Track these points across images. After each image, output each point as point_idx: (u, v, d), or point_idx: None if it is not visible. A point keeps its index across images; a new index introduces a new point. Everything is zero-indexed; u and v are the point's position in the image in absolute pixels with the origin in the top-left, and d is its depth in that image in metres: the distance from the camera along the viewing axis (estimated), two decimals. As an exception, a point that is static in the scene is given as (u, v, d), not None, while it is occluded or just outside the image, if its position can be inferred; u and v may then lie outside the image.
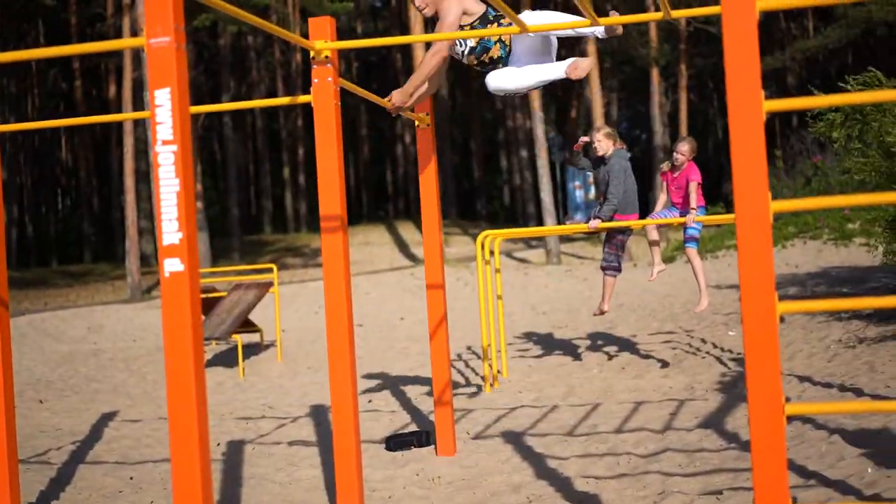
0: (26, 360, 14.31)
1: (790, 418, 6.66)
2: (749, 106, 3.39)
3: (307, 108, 41.44)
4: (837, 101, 3.65)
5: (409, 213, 49.83)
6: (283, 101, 6.35)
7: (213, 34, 41.25)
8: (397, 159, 55.92)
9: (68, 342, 16.77)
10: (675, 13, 5.34)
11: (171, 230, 3.62)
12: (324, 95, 5.64)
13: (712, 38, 39.15)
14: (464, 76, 54.30)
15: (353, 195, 58.78)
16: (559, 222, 32.05)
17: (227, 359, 13.59)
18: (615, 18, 5.67)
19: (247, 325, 13.44)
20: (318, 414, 9.42)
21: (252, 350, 14.20)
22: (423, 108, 7.52)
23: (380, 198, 60.51)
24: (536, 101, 29.53)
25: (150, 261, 33.92)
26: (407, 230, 38.28)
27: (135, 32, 28.23)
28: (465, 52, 6.70)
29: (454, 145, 53.88)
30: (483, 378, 10.54)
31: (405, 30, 35.66)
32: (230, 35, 39.68)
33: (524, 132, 40.56)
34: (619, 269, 10.43)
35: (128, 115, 6.88)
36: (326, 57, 5.61)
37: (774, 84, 45.99)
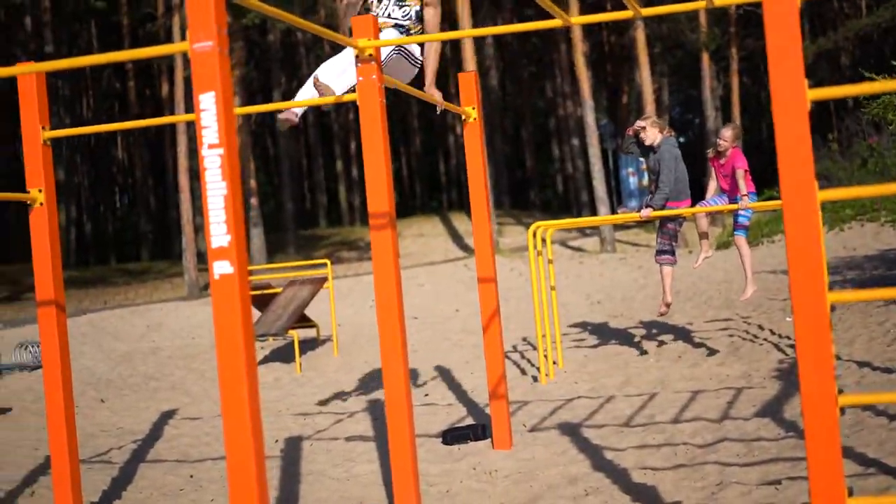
0: (86, 359, 14.46)
1: (847, 406, 6.61)
2: (793, 95, 3.36)
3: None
4: (879, 89, 3.61)
5: (462, 203, 49.79)
6: (328, 99, 6.37)
7: (262, 31, 41.40)
8: (449, 150, 55.86)
9: (127, 340, 16.94)
10: (719, 1, 5.28)
11: (219, 233, 3.64)
12: (369, 93, 5.66)
13: (763, 21, 38.71)
14: (514, 66, 54.20)
15: (407, 187, 58.87)
16: (612, 211, 31.93)
17: (283, 354, 13.66)
18: (658, 9, 5.60)
19: (303, 321, 13.50)
20: (376, 408, 9.45)
21: (309, 345, 14.27)
22: (470, 102, 7.51)
23: (433, 189, 60.51)
24: (587, 90, 29.42)
25: (206, 258, 34.13)
26: (461, 221, 38.27)
27: (185, 32, 28.35)
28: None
29: (505, 135, 53.73)
30: (538, 369, 10.51)
31: (454, 24, 35.55)
32: (280, 31, 39.84)
33: (575, 120, 40.41)
34: (673, 257, 10.36)
35: (177, 118, 6.93)
36: (370, 55, 5.62)
37: (827, 65, 45.44)
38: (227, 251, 3.65)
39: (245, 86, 37.52)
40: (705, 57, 33.86)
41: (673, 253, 10.38)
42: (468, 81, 7.59)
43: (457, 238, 35.60)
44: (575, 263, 23.32)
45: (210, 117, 3.71)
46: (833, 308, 11.98)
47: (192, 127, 31.15)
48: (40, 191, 6.10)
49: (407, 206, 53.18)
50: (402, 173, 58.94)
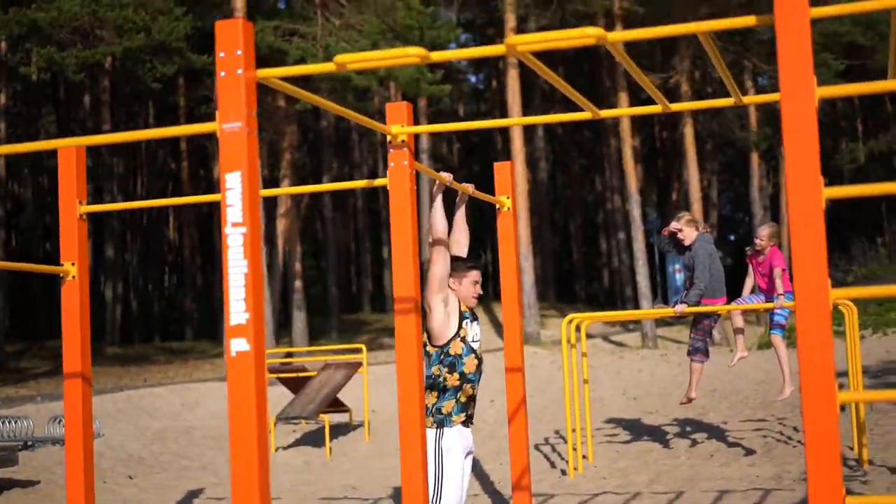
0: (120, 435, 14.52)
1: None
2: (808, 192, 3.36)
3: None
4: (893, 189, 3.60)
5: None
6: (359, 183, 6.43)
7: (316, 116, 41.96)
8: (495, 241, 56.00)
9: (162, 418, 16.98)
10: (747, 99, 5.32)
11: (238, 310, 3.69)
12: (399, 178, 5.71)
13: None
14: (564, 158, 54.48)
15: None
16: (655, 298, 31.93)
17: (315, 438, 13.65)
18: (687, 104, 5.64)
19: (336, 405, 13.50)
20: (400, 496, 9.39)
21: (340, 430, 14.25)
22: (504, 192, 7.54)
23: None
24: (634, 184, 29.53)
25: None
26: (501, 310, 38.19)
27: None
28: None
29: (554, 227, 53.85)
30: (567, 462, 10.43)
31: (504, 111, 35.82)
32: (332, 117, 40.35)
33: (622, 214, 40.48)
34: (706, 355, 10.29)
35: (212, 197, 7.03)
36: (402, 141, 5.68)
37: (881, 167, 45.36)
38: (245, 328, 3.69)
39: (296, 170, 37.96)
40: (754, 156, 33.90)
41: (706, 351, 10.32)
42: (503, 170, 7.63)
43: (498, 327, 35.53)
44: (615, 358, 23.18)
45: (235, 196, 3.77)
46: (869, 410, 11.85)
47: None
48: (73, 264, 6.16)
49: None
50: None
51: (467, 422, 6.44)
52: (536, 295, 33.24)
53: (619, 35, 3.85)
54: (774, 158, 39.86)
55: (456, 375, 6.33)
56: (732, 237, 61.65)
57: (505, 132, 38.76)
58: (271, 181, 38.36)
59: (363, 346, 14.00)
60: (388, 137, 5.73)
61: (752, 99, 5.42)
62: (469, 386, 6.39)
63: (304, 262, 37.87)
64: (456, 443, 6.31)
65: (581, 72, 52.81)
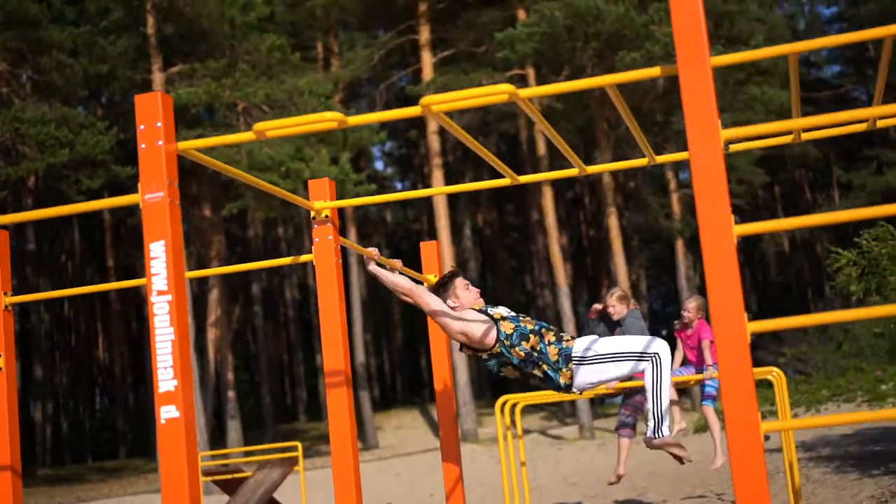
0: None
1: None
2: (720, 230, 3.43)
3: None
4: (806, 223, 3.68)
5: (443, 396, 49.53)
6: (285, 261, 6.47)
7: (242, 225, 42.01)
8: (429, 346, 55.92)
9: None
10: (660, 158, 5.47)
11: (166, 378, 3.71)
12: (325, 252, 5.77)
13: (736, 209, 39.63)
14: (491, 257, 54.83)
15: (389, 381, 58.76)
16: (591, 401, 31.98)
17: (253, 540, 13.40)
18: (601, 167, 5.78)
19: (273, 505, 13.30)
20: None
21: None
22: (431, 270, 7.62)
23: (414, 383, 60.37)
24: (562, 277, 29.80)
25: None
26: (440, 412, 38.06)
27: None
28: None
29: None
30: (509, 548, 10.36)
31: (431, 220, 36.18)
32: (260, 225, 40.46)
33: (553, 311, 40.72)
34: (633, 430, 10.35)
35: (139, 282, 7.03)
36: (326, 216, 5.76)
37: (804, 254, 46.25)
38: (174, 395, 3.71)
39: (225, 281, 37.85)
40: (680, 246, 34.37)
41: (634, 427, 10.38)
42: (430, 249, 7.73)
43: (436, 429, 35.41)
44: (554, 450, 23.18)
45: (160, 265, 3.82)
46: (806, 481, 11.97)
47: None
48: (0, 355, 6.12)
49: (388, 400, 52.98)
50: (384, 368, 58.90)
51: (574, 360, 6.24)
52: (473, 393, 33.23)
53: (529, 91, 3.97)
54: (698, 247, 40.47)
55: (532, 338, 6.22)
56: (664, 332, 62.19)
57: (433, 233, 38.99)
58: (200, 296, 38.18)
59: (298, 444, 13.88)
60: (312, 213, 5.82)
61: (665, 158, 5.58)
62: (543, 329, 6.26)
63: (236, 375, 37.56)
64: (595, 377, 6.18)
65: (504, 160, 53.35)
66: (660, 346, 6.12)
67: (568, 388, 6.25)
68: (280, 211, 29.98)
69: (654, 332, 10.34)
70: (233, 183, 29.23)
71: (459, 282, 6.54)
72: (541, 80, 31.12)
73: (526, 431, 9.89)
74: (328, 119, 4.01)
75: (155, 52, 28.72)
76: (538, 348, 6.18)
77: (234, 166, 26.08)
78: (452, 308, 6.40)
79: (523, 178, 5.74)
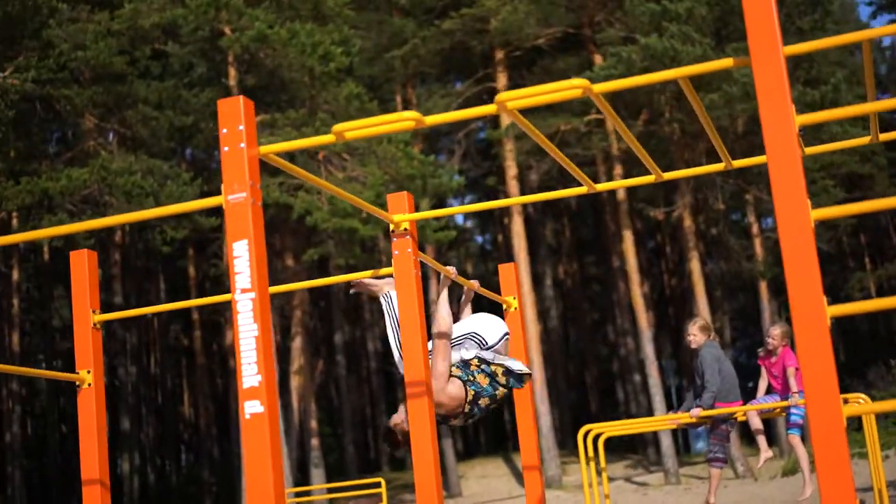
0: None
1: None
2: (797, 213, 3.40)
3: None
4: (885, 205, 3.64)
5: (526, 446, 49.23)
6: (365, 274, 6.55)
7: (324, 273, 42.33)
8: (512, 395, 55.68)
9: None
10: (737, 163, 5.46)
11: (250, 373, 3.77)
12: (404, 265, 5.83)
13: (822, 254, 39.11)
14: (573, 308, 54.62)
15: (472, 432, 58.58)
16: (676, 448, 31.72)
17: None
18: (677, 173, 5.79)
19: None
20: None
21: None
22: (510, 292, 7.63)
23: (498, 434, 60.10)
24: (644, 321, 29.62)
25: None
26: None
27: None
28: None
29: (569, 379, 53.66)
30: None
31: (510, 256, 36.28)
32: (341, 271, 40.74)
33: (636, 358, 40.40)
34: (725, 461, 10.27)
35: (222, 297, 7.13)
36: (405, 229, 5.82)
37: (890, 294, 45.36)
38: (258, 391, 3.76)
39: (308, 331, 38.11)
40: (763, 290, 33.95)
41: (725, 457, 10.31)
42: (508, 272, 7.75)
43: (520, 477, 35.21)
44: (639, 496, 22.92)
45: (243, 263, 3.89)
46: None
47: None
48: (88, 372, 6.24)
49: (471, 450, 52.87)
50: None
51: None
52: (556, 441, 33.05)
53: (603, 86, 4.00)
54: (784, 294, 39.95)
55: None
56: (750, 384, 61.05)
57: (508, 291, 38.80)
58: (284, 348, 38.46)
59: (382, 480, 13.90)
60: (391, 226, 5.89)
61: (741, 163, 5.57)
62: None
63: (320, 428, 37.74)
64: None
65: (586, 223, 53.42)
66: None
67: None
68: (361, 258, 30.20)
69: (741, 385, 10.27)
70: (314, 231, 29.52)
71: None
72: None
73: (610, 479, 9.81)
74: (406, 118, 4.08)
75: (238, 104, 29.12)
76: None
77: (315, 213, 26.41)
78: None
79: (600, 186, 5.75)
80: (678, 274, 50.61)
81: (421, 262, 5.94)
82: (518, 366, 6.45)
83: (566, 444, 41.40)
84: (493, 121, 37.23)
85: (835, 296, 46.63)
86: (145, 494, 47.00)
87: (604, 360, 58.58)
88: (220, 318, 47.60)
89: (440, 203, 36.32)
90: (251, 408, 3.77)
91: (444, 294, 6.60)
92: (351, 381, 48.07)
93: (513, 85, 35.78)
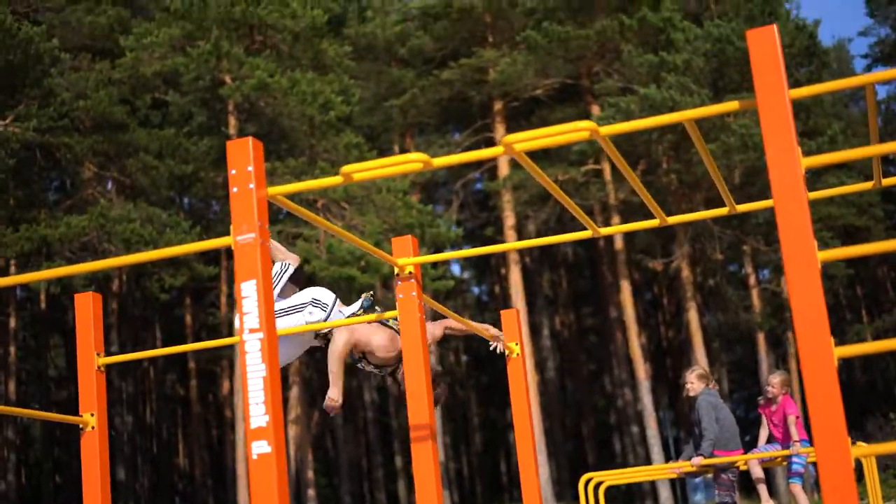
0: None
1: None
2: (804, 253, 3.43)
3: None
4: (885, 248, 3.64)
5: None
6: (369, 318, 6.57)
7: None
8: (510, 448, 55.58)
9: None
10: (741, 207, 5.50)
11: (258, 413, 3.79)
12: (409, 308, 5.86)
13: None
14: (570, 359, 54.57)
15: (468, 487, 58.32)
16: (675, 500, 31.61)
17: None
18: (680, 217, 5.84)
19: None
20: None
21: None
22: (512, 339, 7.64)
23: (494, 488, 59.84)
24: (642, 371, 29.62)
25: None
26: (521, 513, 37.68)
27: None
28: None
29: (566, 431, 53.51)
30: None
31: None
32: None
33: (633, 409, 40.33)
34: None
35: (224, 341, 7.16)
36: (410, 272, 5.86)
37: (890, 353, 45.39)
38: (265, 431, 3.78)
39: (305, 381, 38.04)
40: (762, 341, 33.96)
41: (735, 498, 10.27)
42: (511, 318, 7.76)
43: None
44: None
45: (251, 303, 3.92)
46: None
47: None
48: (92, 415, 6.26)
49: (466, 502, 52.65)
50: (463, 473, 58.51)
51: None
52: (554, 493, 32.94)
53: (609, 129, 4.05)
54: (782, 346, 39.96)
55: None
56: (748, 438, 60.68)
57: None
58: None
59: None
60: (396, 269, 5.92)
61: (745, 207, 5.62)
62: None
63: (316, 479, 37.62)
64: None
65: (582, 274, 53.51)
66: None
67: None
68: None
69: (742, 438, 10.27)
70: (312, 279, 29.53)
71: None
72: (616, 174, 31.29)
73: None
74: (413, 160, 4.12)
75: (237, 153, 29.24)
76: None
77: (313, 261, 26.47)
78: None
79: (604, 230, 5.80)
80: (675, 325, 50.66)
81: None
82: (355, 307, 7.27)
83: (564, 495, 41.23)
84: (491, 172, 37.40)
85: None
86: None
87: (601, 411, 58.45)
88: (216, 367, 47.61)
89: (439, 250, 36.48)
90: (258, 448, 3.78)
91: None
92: (348, 432, 47.87)
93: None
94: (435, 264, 37.40)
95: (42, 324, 47.19)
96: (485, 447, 59.41)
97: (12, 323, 35.79)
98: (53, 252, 26.11)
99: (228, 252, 37.12)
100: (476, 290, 59.03)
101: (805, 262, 3.40)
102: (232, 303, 35.99)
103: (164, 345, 48.38)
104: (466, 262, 57.56)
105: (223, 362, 44.16)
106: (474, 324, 6.80)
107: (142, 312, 45.13)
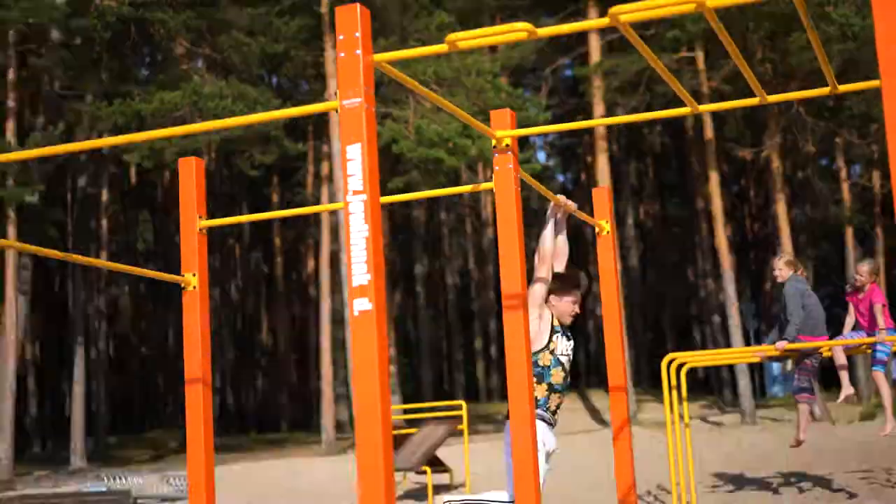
0: (223, 495, 14.72)
1: None
2: None
3: (498, 279, 42.28)
4: None
5: (601, 384, 49.52)
6: (465, 189, 6.66)
7: (407, 205, 42.55)
8: (588, 335, 55.90)
9: (262, 484, 17.25)
10: (842, 87, 5.47)
11: (360, 272, 3.90)
12: (505, 181, 5.92)
13: None
14: (653, 249, 54.43)
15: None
16: (753, 390, 31.68)
17: (417, 495, 13.74)
18: (784, 96, 5.82)
19: (437, 464, 13.60)
20: None
21: (442, 490, 14.31)
22: (603, 216, 7.68)
23: (572, 373, 60.30)
24: (727, 261, 29.53)
25: (345, 427, 34.55)
26: (599, 398, 38.05)
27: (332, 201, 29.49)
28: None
29: (646, 321, 53.57)
30: (672, 506, 10.43)
31: (590, 206, 36.18)
32: (424, 209, 40.98)
33: (716, 301, 40.21)
34: (812, 394, 10.28)
35: (336, 205, 7.29)
36: (507, 145, 5.91)
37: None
38: (367, 289, 3.89)
39: (388, 264, 38.45)
40: (849, 237, 33.56)
41: (812, 390, 10.30)
42: (602, 195, 7.80)
43: (594, 413, 35.40)
44: (714, 434, 22.99)
45: (356, 166, 4.02)
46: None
47: (336, 297, 32.06)
48: (194, 275, 6.44)
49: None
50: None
51: (553, 425, 6.60)
52: (633, 380, 33.14)
53: (716, 1, 4.05)
54: (870, 242, 39.47)
55: (544, 386, 6.53)
56: (805, 279, 60.17)
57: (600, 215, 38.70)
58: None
59: (463, 402, 14.12)
60: (493, 142, 5.99)
61: (847, 87, 5.59)
62: (556, 395, 6.58)
63: (397, 358, 38.27)
64: (543, 438, 6.41)
65: (669, 165, 53.08)
66: None
67: None
68: (444, 198, 30.14)
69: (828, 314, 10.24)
70: (399, 160, 29.62)
71: (575, 294, 6.73)
72: (709, 64, 30.81)
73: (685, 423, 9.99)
74: (518, 29, 4.18)
75: (328, 32, 29.29)
76: (535, 395, 6.31)
77: (403, 142, 26.57)
78: (550, 303, 6.60)
79: (703, 107, 5.80)
80: (761, 219, 50.18)
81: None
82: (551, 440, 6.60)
83: (641, 383, 41.46)
84: (582, 58, 36.99)
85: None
86: (223, 415, 47.98)
87: (682, 302, 58.40)
88: (301, 246, 48.21)
89: (525, 138, 36.32)
90: (360, 305, 3.90)
91: (551, 224, 6.71)
92: (428, 314, 48.40)
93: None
94: (522, 148, 37.38)
95: (132, 198, 48.05)
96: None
97: (104, 196, 36.46)
98: (146, 127, 26.49)
99: (317, 131, 37.36)
100: (561, 177, 58.85)
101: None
102: (318, 182, 36.32)
103: (252, 222, 49.06)
104: (552, 150, 57.30)
105: (309, 241, 44.71)
106: (547, 190, 6.76)
107: (229, 190, 45.73)
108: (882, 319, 9.85)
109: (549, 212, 6.79)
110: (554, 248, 6.79)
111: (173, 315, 47.57)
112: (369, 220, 3.95)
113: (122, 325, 57.09)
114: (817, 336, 10.05)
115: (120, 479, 13.73)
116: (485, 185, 6.50)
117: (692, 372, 55.82)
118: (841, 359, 10.38)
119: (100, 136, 30.03)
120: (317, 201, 35.98)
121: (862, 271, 10.18)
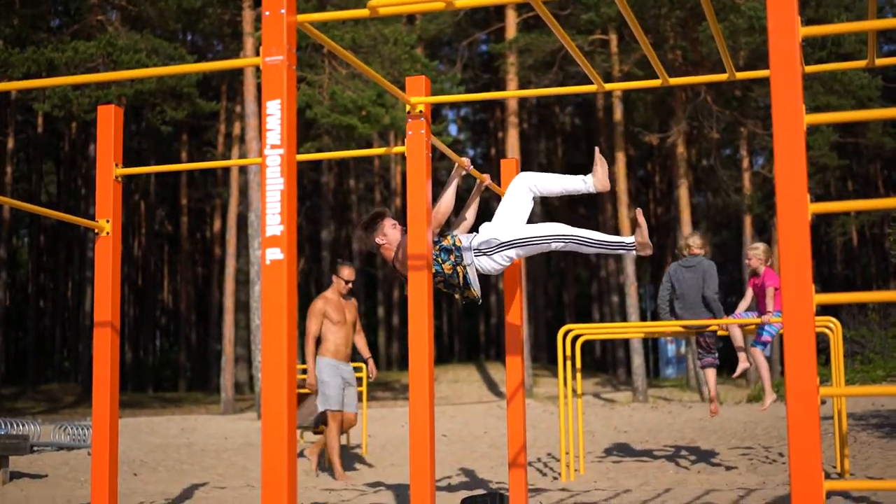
0: (121, 446, 14.81)
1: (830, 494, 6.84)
2: (792, 118, 3.69)
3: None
4: (879, 205, 3.90)
5: (499, 357, 50.10)
6: (377, 151, 6.87)
7: (317, 167, 42.54)
8: (490, 309, 56.40)
9: (162, 437, 17.33)
10: (740, 74, 5.78)
11: (273, 223, 4.11)
12: (417, 146, 6.15)
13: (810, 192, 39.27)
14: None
15: (446, 342, 59.40)
16: (647, 367, 32.29)
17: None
18: (682, 79, 6.12)
19: (334, 424, 13.76)
20: (400, 489, 9.75)
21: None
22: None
23: (472, 346, 60.95)
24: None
25: (243, 389, 34.58)
26: (496, 370, 38.56)
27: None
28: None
29: (548, 298, 54.25)
30: (560, 474, 10.77)
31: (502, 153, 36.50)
32: (334, 176, 40.96)
33: (615, 279, 40.91)
34: (715, 359, 10.68)
35: (249, 161, 7.44)
36: (420, 111, 6.14)
37: (871, 248, 45.74)
38: (279, 239, 4.09)
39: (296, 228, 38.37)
40: (748, 224, 34.33)
41: (714, 357, 10.70)
42: (510, 167, 8.05)
43: (491, 385, 35.86)
44: (606, 409, 23.51)
45: (275, 121, 4.21)
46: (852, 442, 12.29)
47: (241, 259, 32.04)
48: (108, 221, 6.59)
49: (445, 357, 53.73)
50: (443, 329, 59.57)
51: None
52: (531, 356, 33.63)
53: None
54: (768, 231, 40.44)
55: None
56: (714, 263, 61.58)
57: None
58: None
59: (363, 364, 14.29)
60: (407, 107, 6.21)
61: (744, 74, 5.91)
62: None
63: (300, 326, 38.27)
64: None
65: (578, 146, 53.66)
66: (555, 226, 6.69)
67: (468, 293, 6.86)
68: (354, 165, 30.12)
69: (725, 301, 10.63)
70: (311, 125, 29.65)
71: (387, 221, 6.96)
72: (623, 47, 31.33)
73: (577, 394, 10.29)
74: (438, -1, 4.40)
75: (246, -10, 29.20)
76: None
77: (317, 107, 26.61)
78: (380, 245, 6.83)
79: (609, 85, 6.08)
80: (665, 203, 51.08)
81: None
82: (476, 288, 6.79)
83: (539, 358, 42.08)
84: (497, 34, 37.26)
85: (817, 245, 47.17)
86: (122, 371, 47.64)
87: (584, 281, 59.22)
88: (207, 206, 47.95)
89: (438, 111, 36.52)
90: (272, 254, 4.10)
91: (453, 184, 6.88)
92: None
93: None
94: (434, 121, 37.56)
95: (38, 148, 47.34)
96: (466, 309, 60.34)
97: (10, 143, 35.95)
98: (58, 76, 26.17)
99: (230, 92, 37.17)
100: (472, 151, 59.15)
101: (791, 125, 3.67)
102: (229, 142, 36.21)
103: (157, 180, 48.64)
104: (465, 124, 57.57)
105: (216, 201, 44.49)
106: (452, 153, 6.98)
107: (137, 146, 45.28)
108: (773, 303, 10.21)
109: (452, 173, 7.03)
110: (450, 210, 6.98)
111: (73, 269, 47.13)
112: (285, 174, 4.15)
113: (21, 278, 56.37)
114: (701, 317, 10.45)
115: (16, 425, 13.74)
116: (397, 149, 6.72)
117: (589, 351, 56.79)
118: (737, 338, 10.71)
119: (10, 82, 29.60)
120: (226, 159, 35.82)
121: (751, 255, 10.56)
